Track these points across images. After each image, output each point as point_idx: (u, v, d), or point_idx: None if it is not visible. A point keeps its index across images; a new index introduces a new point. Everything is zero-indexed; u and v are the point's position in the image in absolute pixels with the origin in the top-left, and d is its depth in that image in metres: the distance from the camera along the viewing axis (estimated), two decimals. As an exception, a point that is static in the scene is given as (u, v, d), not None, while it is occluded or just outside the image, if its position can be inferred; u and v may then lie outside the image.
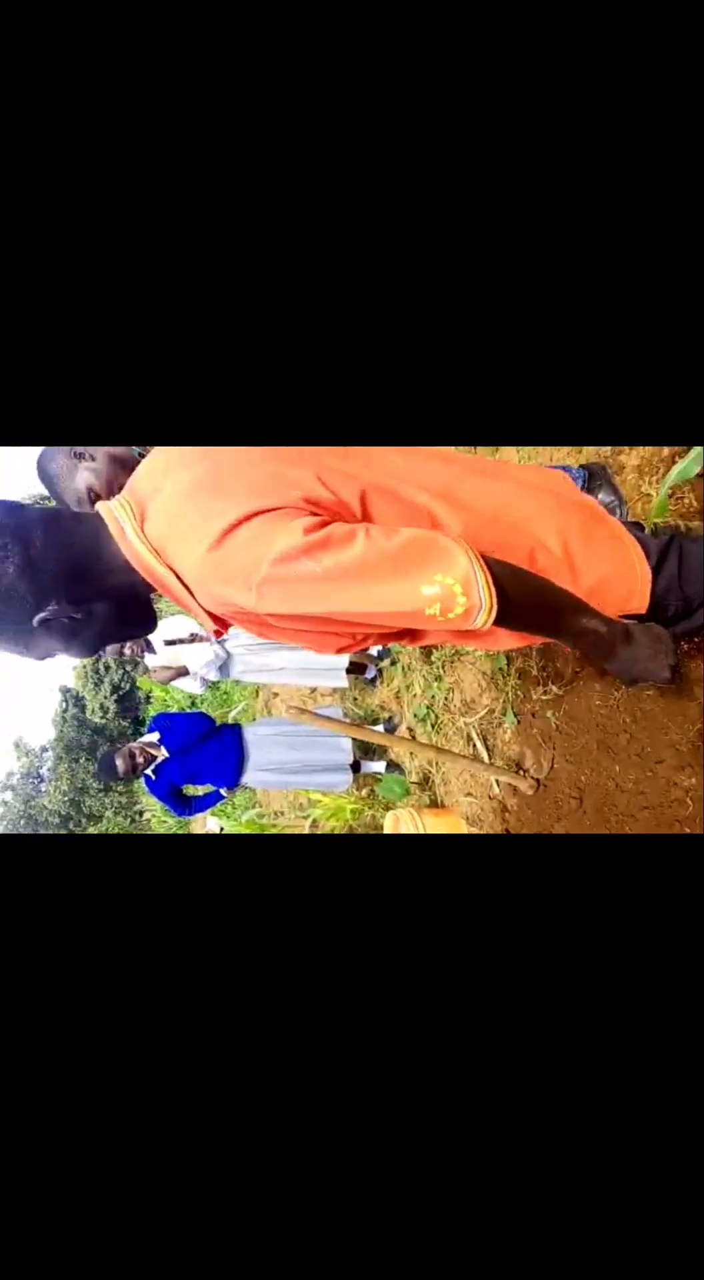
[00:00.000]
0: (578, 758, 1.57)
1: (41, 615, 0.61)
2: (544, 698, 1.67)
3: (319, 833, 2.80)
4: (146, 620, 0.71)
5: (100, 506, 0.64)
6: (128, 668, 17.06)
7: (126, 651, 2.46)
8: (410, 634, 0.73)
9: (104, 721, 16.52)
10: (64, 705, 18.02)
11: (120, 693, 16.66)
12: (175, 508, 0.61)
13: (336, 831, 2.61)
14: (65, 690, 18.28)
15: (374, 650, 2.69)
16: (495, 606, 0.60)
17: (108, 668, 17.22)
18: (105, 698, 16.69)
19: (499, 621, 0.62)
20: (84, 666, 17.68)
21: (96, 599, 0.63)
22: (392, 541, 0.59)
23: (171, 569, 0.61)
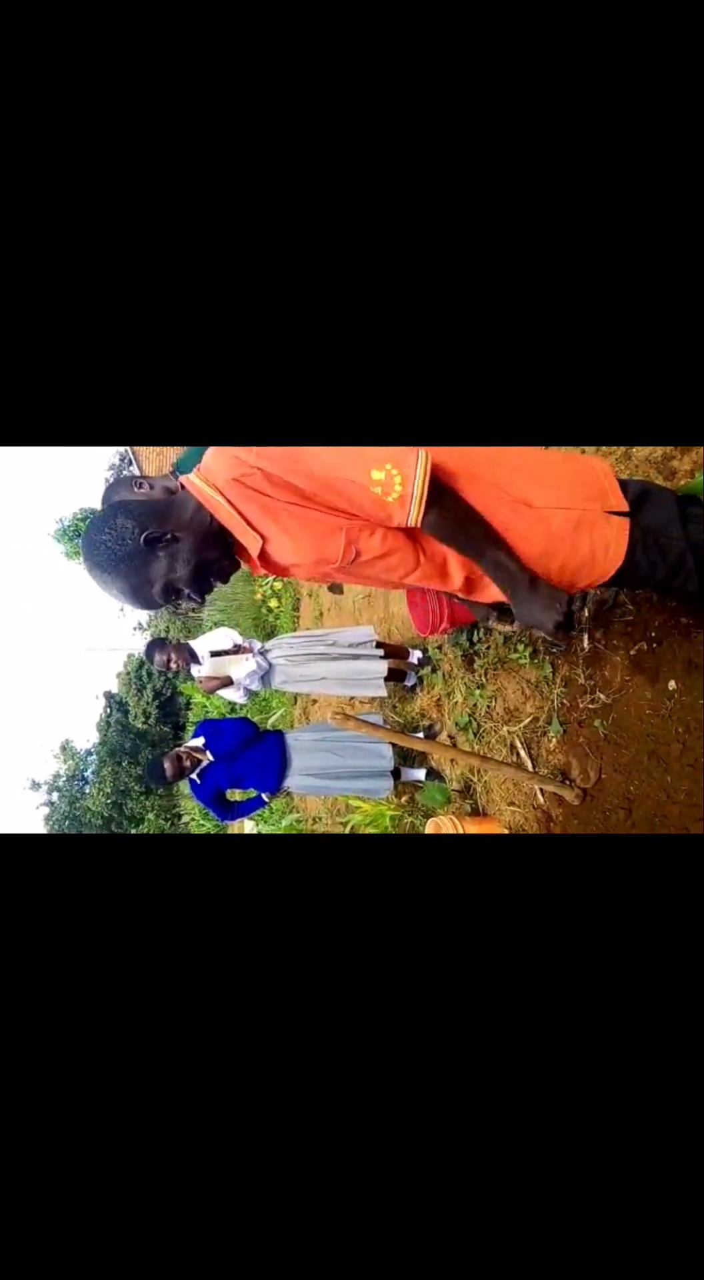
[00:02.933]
0: (627, 768, 1.53)
1: (147, 533, 0.78)
2: (591, 706, 1.64)
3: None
4: (225, 557, 0.85)
5: (183, 478, 0.84)
6: (169, 675, 17.50)
7: (173, 665, 2.54)
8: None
9: (146, 727, 16.98)
10: (108, 711, 18.62)
11: (162, 699, 17.11)
12: (213, 449, 0.81)
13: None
14: (109, 696, 18.89)
15: (415, 657, 2.70)
16: (424, 504, 0.74)
17: (150, 675, 17.71)
18: (147, 704, 17.16)
19: (428, 526, 0.76)
20: (127, 673, 18.25)
21: (183, 529, 0.81)
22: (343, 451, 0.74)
23: (213, 484, 0.79)
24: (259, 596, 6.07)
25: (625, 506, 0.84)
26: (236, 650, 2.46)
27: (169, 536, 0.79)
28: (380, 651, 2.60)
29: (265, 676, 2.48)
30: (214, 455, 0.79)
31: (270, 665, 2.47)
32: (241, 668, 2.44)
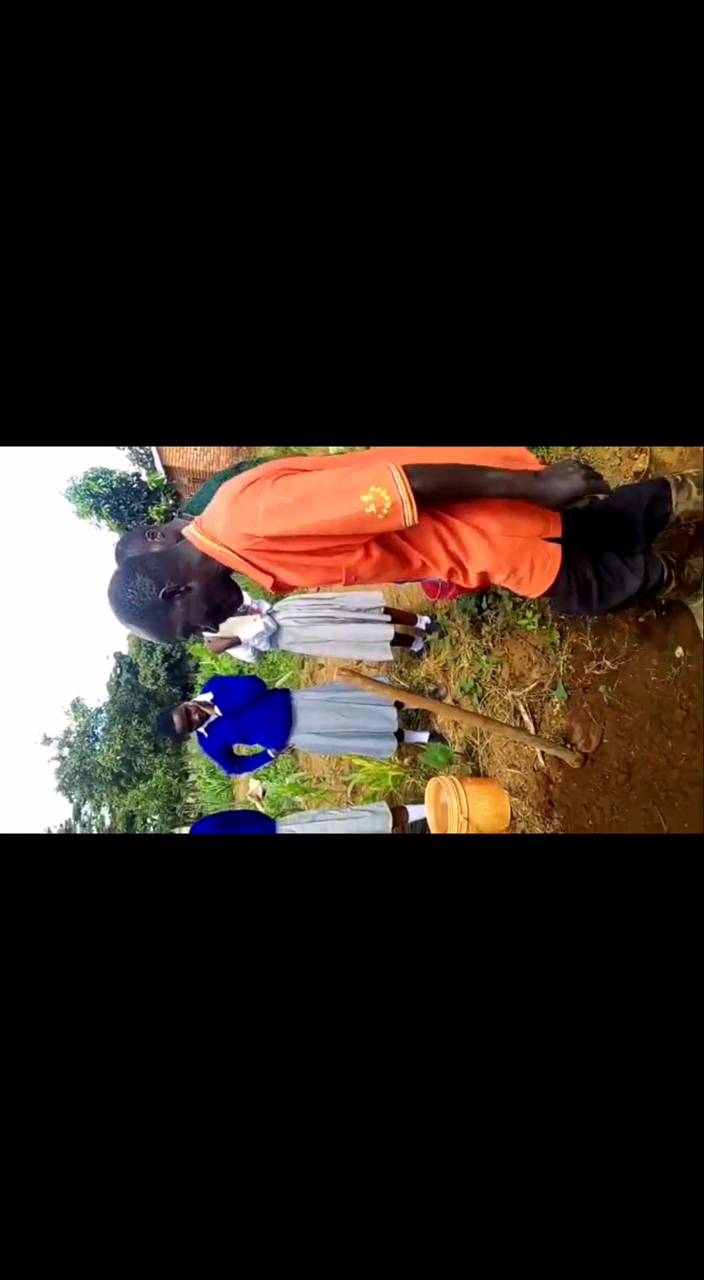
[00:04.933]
0: (629, 733, 1.55)
1: (164, 589, 0.91)
2: (597, 672, 1.65)
3: (358, 803, 2.87)
4: (232, 593, 0.99)
5: (184, 529, 0.96)
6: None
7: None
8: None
9: (155, 688, 17.22)
10: (118, 671, 18.87)
11: (171, 661, 17.29)
12: (214, 506, 0.92)
13: (377, 796, 2.67)
14: (120, 656, 19.11)
15: (422, 623, 2.70)
16: (413, 500, 0.83)
17: (159, 636, 17.83)
18: (157, 665, 17.36)
19: (425, 506, 0.85)
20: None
21: (193, 578, 0.93)
22: (333, 473, 0.85)
23: (219, 542, 0.89)
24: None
25: (558, 533, 1.00)
26: (245, 611, 2.48)
27: (182, 589, 0.91)
28: (388, 617, 2.61)
29: (273, 637, 2.50)
30: (220, 523, 0.88)
31: (278, 626, 2.49)
32: (250, 628, 2.45)
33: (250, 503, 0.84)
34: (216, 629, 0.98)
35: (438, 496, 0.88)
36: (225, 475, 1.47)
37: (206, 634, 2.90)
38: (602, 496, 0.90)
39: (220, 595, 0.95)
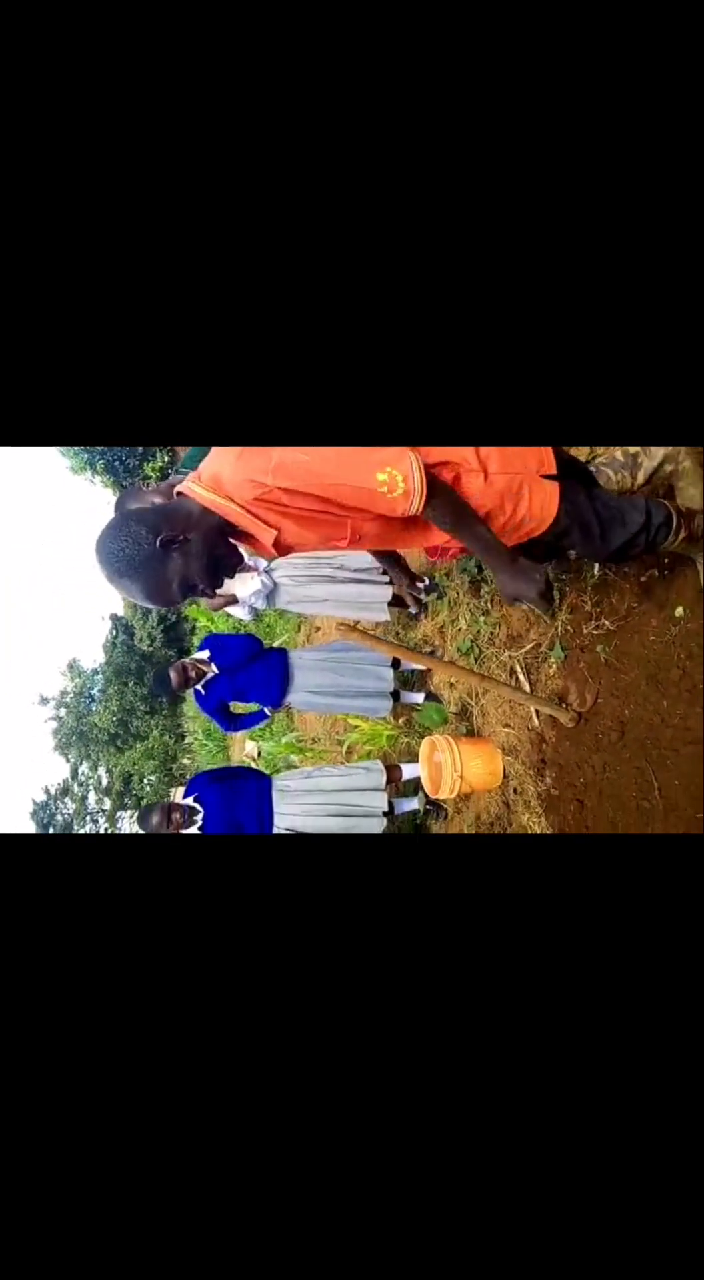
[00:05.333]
0: (624, 692, 1.56)
1: (161, 537, 0.85)
2: (596, 632, 1.65)
3: (354, 762, 2.91)
4: (232, 551, 0.94)
5: (180, 485, 0.92)
6: (173, 599, 17.50)
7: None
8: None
9: (151, 649, 17.22)
10: (114, 632, 18.82)
11: (166, 624, 17.24)
12: (215, 458, 0.89)
13: (372, 755, 2.70)
14: (116, 618, 19.03)
15: (421, 585, 2.68)
16: (424, 496, 0.85)
17: (154, 598, 17.73)
18: (152, 627, 17.31)
19: (426, 513, 0.87)
20: (132, 596, 18.25)
21: (192, 530, 0.88)
22: (357, 450, 0.83)
23: (221, 493, 0.86)
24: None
25: (555, 470, 1.01)
26: (242, 569, 2.45)
27: (181, 538, 0.85)
28: (386, 578, 2.58)
29: (270, 596, 2.48)
30: (227, 470, 0.85)
31: (275, 584, 2.46)
32: (247, 586, 2.43)
33: (262, 453, 0.81)
34: (214, 592, 0.92)
35: (440, 512, 0.89)
36: None
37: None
38: (544, 617, 0.95)
39: (220, 550, 0.90)
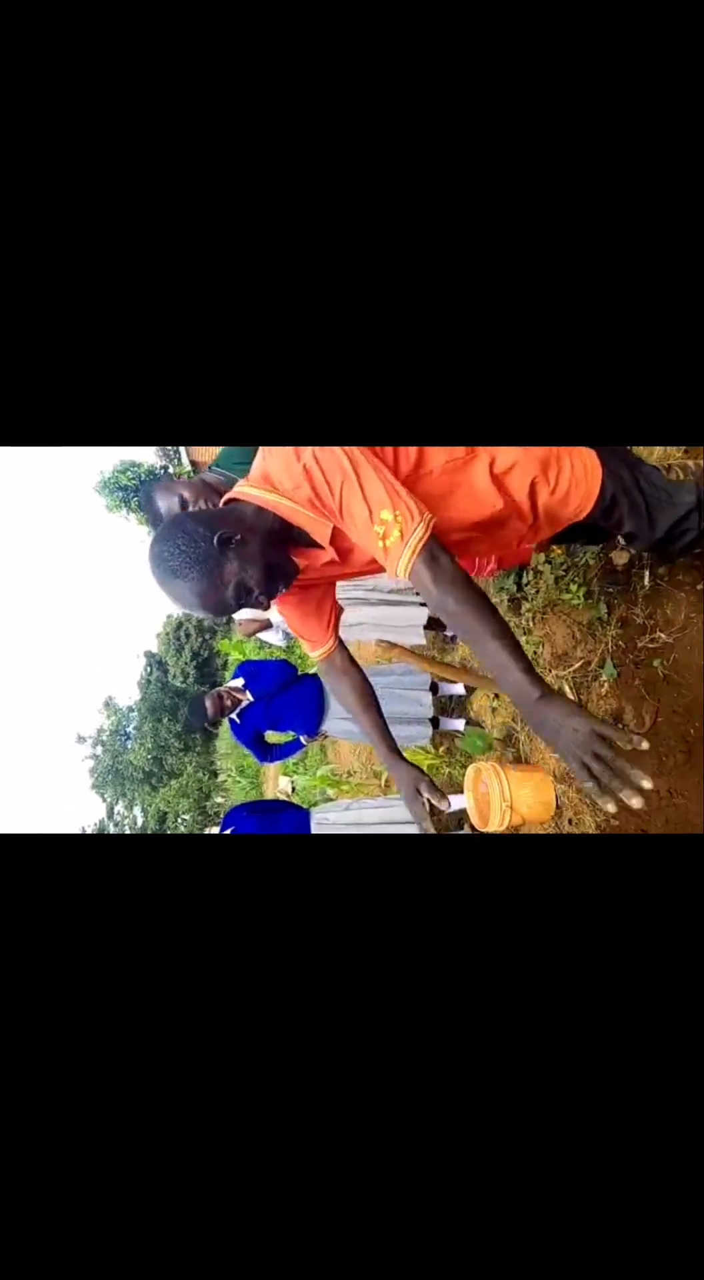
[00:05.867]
0: (687, 709, 1.44)
1: (219, 534, 0.81)
2: (651, 646, 1.55)
3: (393, 794, 2.81)
4: (288, 560, 0.89)
5: (231, 491, 0.89)
6: (206, 635, 17.84)
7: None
8: None
9: (185, 685, 17.48)
10: (149, 669, 19.24)
11: (200, 659, 17.53)
12: (266, 459, 0.87)
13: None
14: (150, 655, 19.48)
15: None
16: (416, 554, 0.76)
17: (189, 635, 18.09)
18: (186, 663, 17.62)
19: (415, 580, 0.78)
20: (166, 633, 18.70)
21: (248, 531, 0.84)
22: (387, 477, 0.79)
23: (276, 490, 0.84)
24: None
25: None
26: (275, 593, 2.43)
27: (238, 537, 0.82)
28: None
29: (304, 620, 2.45)
30: (272, 462, 0.84)
31: (309, 609, 2.44)
32: (280, 611, 2.41)
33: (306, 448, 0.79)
34: (269, 601, 0.86)
35: (435, 583, 0.77)
36: None
37: (237, 615, 2.86)
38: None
39: (277, 556, 0.85)
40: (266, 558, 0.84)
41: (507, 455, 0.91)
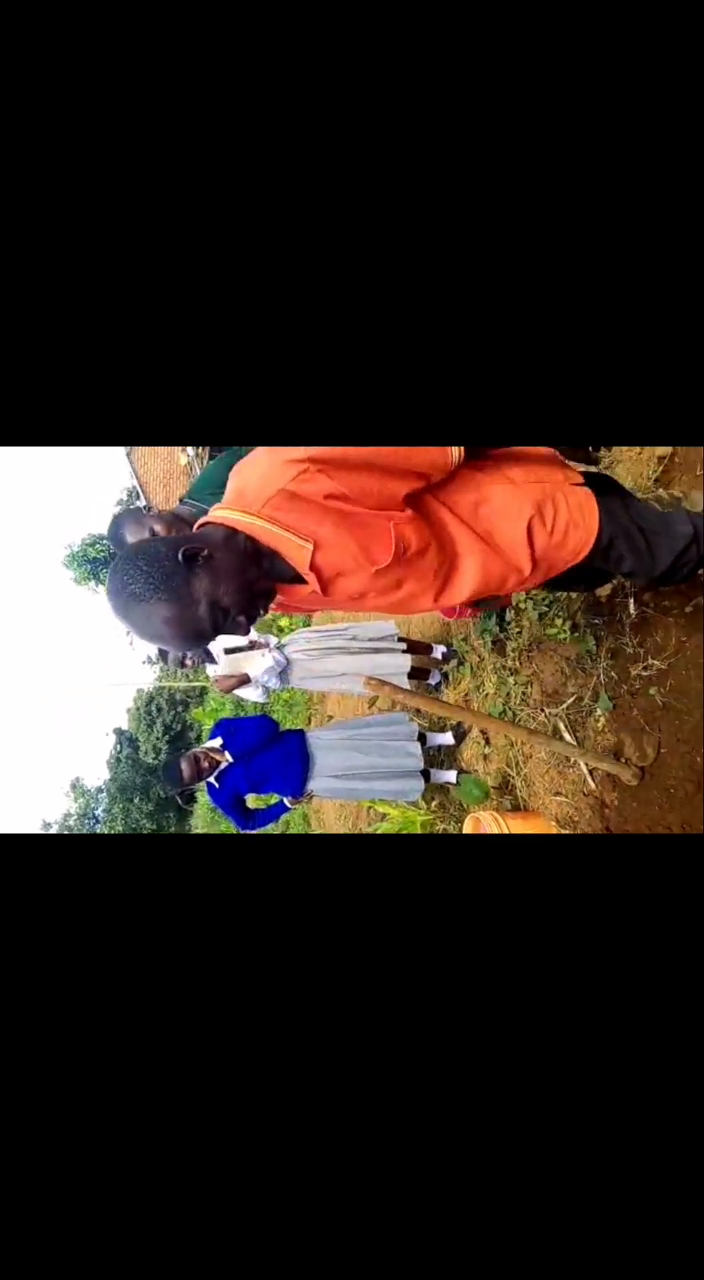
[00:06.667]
0: (691, 737, 1.39)
1: (183, 549, 0.74)
2: (645, 674, 1.51)
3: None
4: (263, 578, 0.82)
5: (201, 519, 0.84)
6: (179, 708, 17.36)
7: (188, 663, 2.44)
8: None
9: (156, 761, 16.78)
10: (118, 747, 18.47)
11: (172, 733, 16.95)
12: (237, 480, 0.82)
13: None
14: (120, 733, 18.78)
15: (439, 652, 2.57)
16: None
17: (160, 709, 17.57)
18: (157, 738, 17.00)
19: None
20: (137, 708, 18.13)
21: (217, 549, 0.78)
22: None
23: (248, 511, 0.77)
24: (269, 614, 6.02)
25: (581, 479, 0.96)
26: (253, 646, 2.35)
27: (206, 553, 0.75)
28: (402, 645, 2.48)
29: (283, 673, 2.36)
30: (254, 478, 0.79)
31: (289, 661, 2.36)
32: (259, 664, 2.32)
33: (290, 449, 0.75)
34: (249, 623, 0.80)
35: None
36: (228, 460, 1.37)
37: (211, 671, 2.74)
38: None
39: (252, 573, 0.79)
40: (242, 575, 0.77)
41: (498, 494, 0.90)
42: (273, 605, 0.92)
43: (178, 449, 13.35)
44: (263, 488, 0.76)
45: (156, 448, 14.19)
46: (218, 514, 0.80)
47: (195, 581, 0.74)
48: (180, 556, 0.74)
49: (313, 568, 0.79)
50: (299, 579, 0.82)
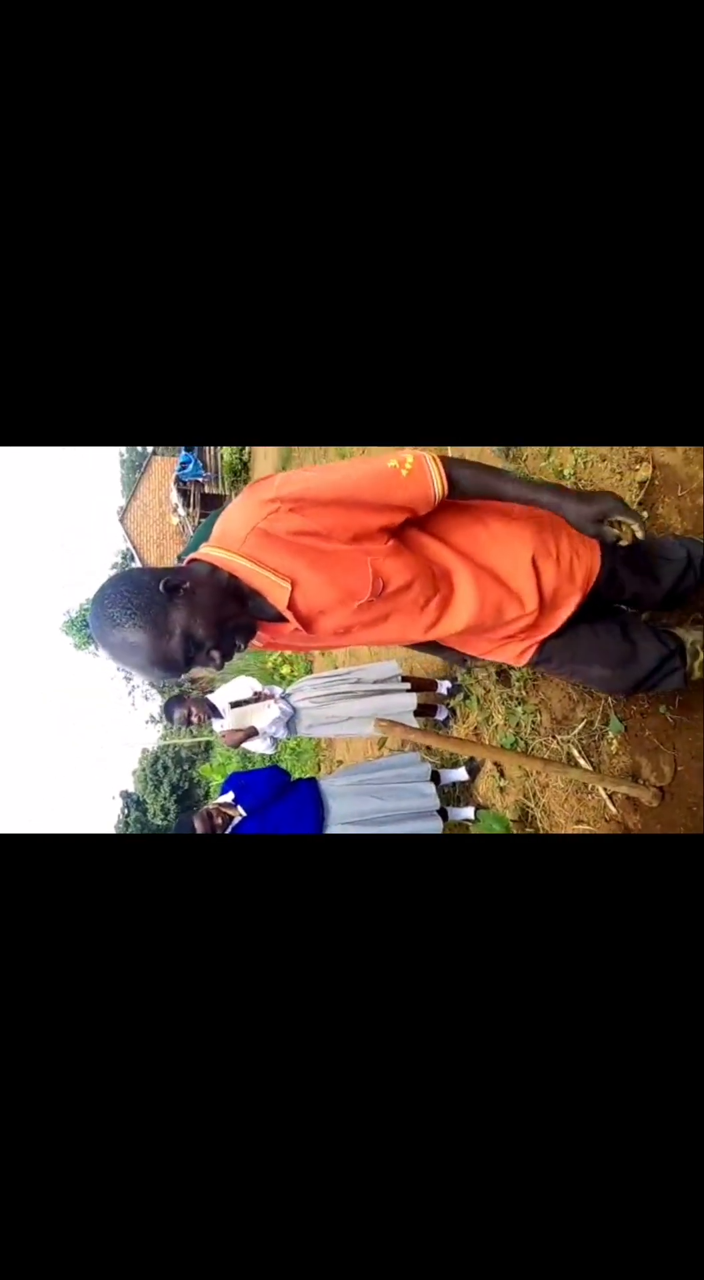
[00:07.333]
0: (707, 752, 1.38)
1: (165, 580, 0.78)
2: (653, 693, 1.51)
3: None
4: (242, 614, 0.84)
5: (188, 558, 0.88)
6: (185, 767, 17.13)
7: (194, 720, 2.43)
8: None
9: (166, 822, 16.43)
10: (126, 810, 18.12)
11: (180, 792, 16.66)
12: (218, 525, 0.86)
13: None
14: (126, 795, 18.45)
15: (444, 688, 2.57)
16: (441, 470, 0.82)
17: (166, 769, 17.33)
18: (165, 798, 16.70)
19: (457, 483, 0.83)
20: (142, 769, 17.89)
21: (198, 584, 0.81)
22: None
23: (228, 549, 0.81)
24: (270, 665, 6.02)
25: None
26: (258, 698, 2.35)
27: (187, 586, 0.79)
28: (407, 685, 2.49)
29: (290, 722, 2.35)
30: (230, 518, 0.82)
31: (294, 710, 2.35)
32: (265, 715, 2.32)
33: (266, 485, 0.79)
34: (221, 658, 0.81)
35: (462, 483, 0.84)
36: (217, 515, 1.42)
37: (218, 726, 2.72)
38: (637, 533, 0.84)
39: (229, 609, 0.81)
40: (217, 610, 0.79)
41: (497, 526, 0.91)
42: (258, 643, 0.94)
43: (169, 511, 13.69)
44: (240, 526, 0.79)
45: (147, 511, 14.58)
46: (203, 551, 0.84)
47: (173, 612, 0.77)
48: (162, 587, 0.77)
49: (291, 606, 0.82)
50: (283, 618, 0.84)
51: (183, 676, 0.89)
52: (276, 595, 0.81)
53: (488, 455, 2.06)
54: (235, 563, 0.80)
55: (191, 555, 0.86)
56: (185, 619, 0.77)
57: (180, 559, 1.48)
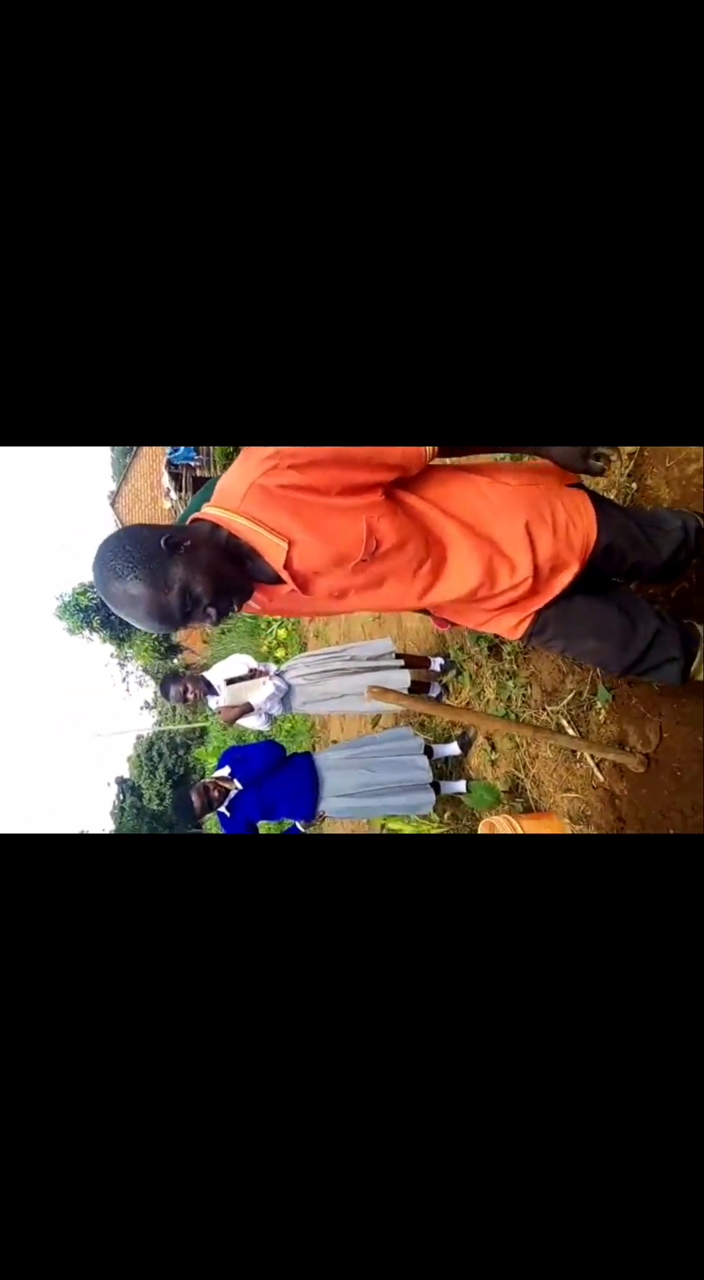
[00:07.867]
0: (691, 718, 1.42)
1: (166, 536, 0.80)
2: (639, 661, 1.54)
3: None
4: (241, 575, 0.87)
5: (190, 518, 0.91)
6: (181, 752, 17.17)
7: (190, 697, 2.45)
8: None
9: (161, 808, 16.51)
10: (121, 796, 18.18)
11: (175, 777, 16.72)
12: (224, 475, 0.87)
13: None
14: (121, 781, 18.51)
15: (437, 664, 2.60)
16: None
17: (161, 754, 17.37)
18: (161, 784, 16.76)
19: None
20: (137, 755, 17.92)
21: (201, 545, 0.84)
22: None
23: (228, 509, 0.82)
24: (265, 647, 6.03)
25: (575, 480, 1.01)
26: (253, 675, 2.38)
27: (189, 544, 0.81)
28: (401, 662, 2.52)
29: (285, 699, 2.38)
30: (230, 476, 0.83)
31: (289, 686, 2.38)
32: (260, 692, 2.34)
33: (266, 448, 0.80)
34: (217, 614, 0.83)
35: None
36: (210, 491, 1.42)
37: (213, 703, 2.74)
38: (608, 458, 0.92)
39: (228, 568, 0.84)
40: (215, 569, 0.82)
41: (495, 495, 0.91)
42: (255, 605, 0.96)
43: (161, 496, 13.54)
44: (239, 483, 0.81)
45: (139, 496, 14.42)
46: (204, 510, 0.86)
47: (172, 568, 0.79)
48: (164, 543, 0.79)
49: (288, 566, 0.83)
50: (280, 579, 0.86)
51: (178, 633, 0.91)
52: (273, 554, 0.82)
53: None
54: (234, 521, 0.82)
55: (194, 515, 0.87)
56: (184, 575, 0.79)
57: (182, 521, 1.49)
